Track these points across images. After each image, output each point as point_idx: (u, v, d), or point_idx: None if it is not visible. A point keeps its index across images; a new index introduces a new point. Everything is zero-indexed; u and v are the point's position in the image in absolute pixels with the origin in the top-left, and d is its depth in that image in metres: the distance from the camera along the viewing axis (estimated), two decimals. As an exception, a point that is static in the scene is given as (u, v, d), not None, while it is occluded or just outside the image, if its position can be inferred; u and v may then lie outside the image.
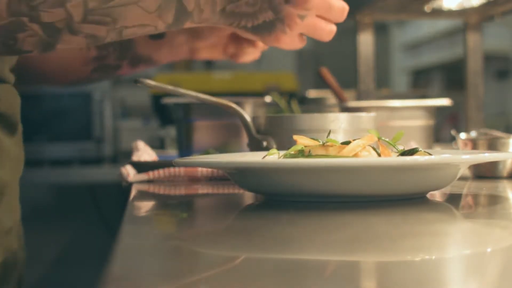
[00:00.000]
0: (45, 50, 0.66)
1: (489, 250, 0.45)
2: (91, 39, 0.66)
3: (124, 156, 2.91)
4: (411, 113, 1.09)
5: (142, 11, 0.67)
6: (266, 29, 0.73)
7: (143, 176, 0.90)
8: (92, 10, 0.64)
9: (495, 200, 0.69)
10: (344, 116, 0.83)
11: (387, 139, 0.67)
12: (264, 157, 0.72)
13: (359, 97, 1.51)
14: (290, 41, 0.75)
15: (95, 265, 0.96)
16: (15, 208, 0.80)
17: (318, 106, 1.63)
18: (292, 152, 0.66)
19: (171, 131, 2.39)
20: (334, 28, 0.77)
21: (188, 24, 0.71)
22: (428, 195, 0.66)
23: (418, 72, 4.46)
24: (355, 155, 0.63)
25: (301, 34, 0.76)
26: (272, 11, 0.72)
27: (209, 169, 0.90)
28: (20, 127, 0.81)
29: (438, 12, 1.82)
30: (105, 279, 0.37)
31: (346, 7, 0.77)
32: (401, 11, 1.95)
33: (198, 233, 0.54)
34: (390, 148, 0.67)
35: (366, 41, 1.95)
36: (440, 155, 0.61)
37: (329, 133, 0.72)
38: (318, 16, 0.75)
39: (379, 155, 0.65)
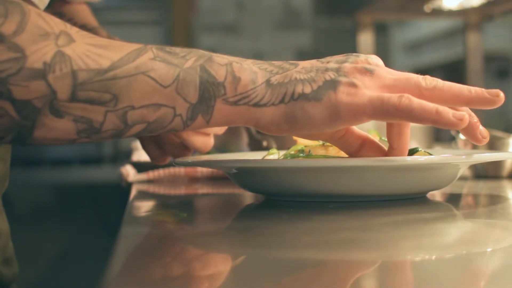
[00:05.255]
0: (20, 138, 0.49)
1: (489, 250, 0.45)
2: (83, 125, 0.49)
3: (124, 156, 2.91)
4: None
5: (155, 84, 0.50)
6: (329, 87, 0.53)
7: (143, 176, 0.90)
8: (84, 84, 0.48)
9: (495, 200, 0.69)
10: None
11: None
12: (264, 157, 0.72)
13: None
14: (376, 99, 0.52)
15: (95, 265, 0.96)
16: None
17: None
18: (292, 152, 0.66)
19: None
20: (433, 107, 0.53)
21: (219, 105, 0.52)
22: (428, 195, 0.66)
23: (418, 72, 4.44)
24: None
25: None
26: (333, 71, 0.54)
27: (209, 169, 0.90)
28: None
29: (438, 12, 1.82)
30: (105, 279, 0.37)
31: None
32: (401, 11, 1.95)
33: (198, 233, 0.54)
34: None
35: (366, 41, 1.95)
36: (440, 155, 0.61)
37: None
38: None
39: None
